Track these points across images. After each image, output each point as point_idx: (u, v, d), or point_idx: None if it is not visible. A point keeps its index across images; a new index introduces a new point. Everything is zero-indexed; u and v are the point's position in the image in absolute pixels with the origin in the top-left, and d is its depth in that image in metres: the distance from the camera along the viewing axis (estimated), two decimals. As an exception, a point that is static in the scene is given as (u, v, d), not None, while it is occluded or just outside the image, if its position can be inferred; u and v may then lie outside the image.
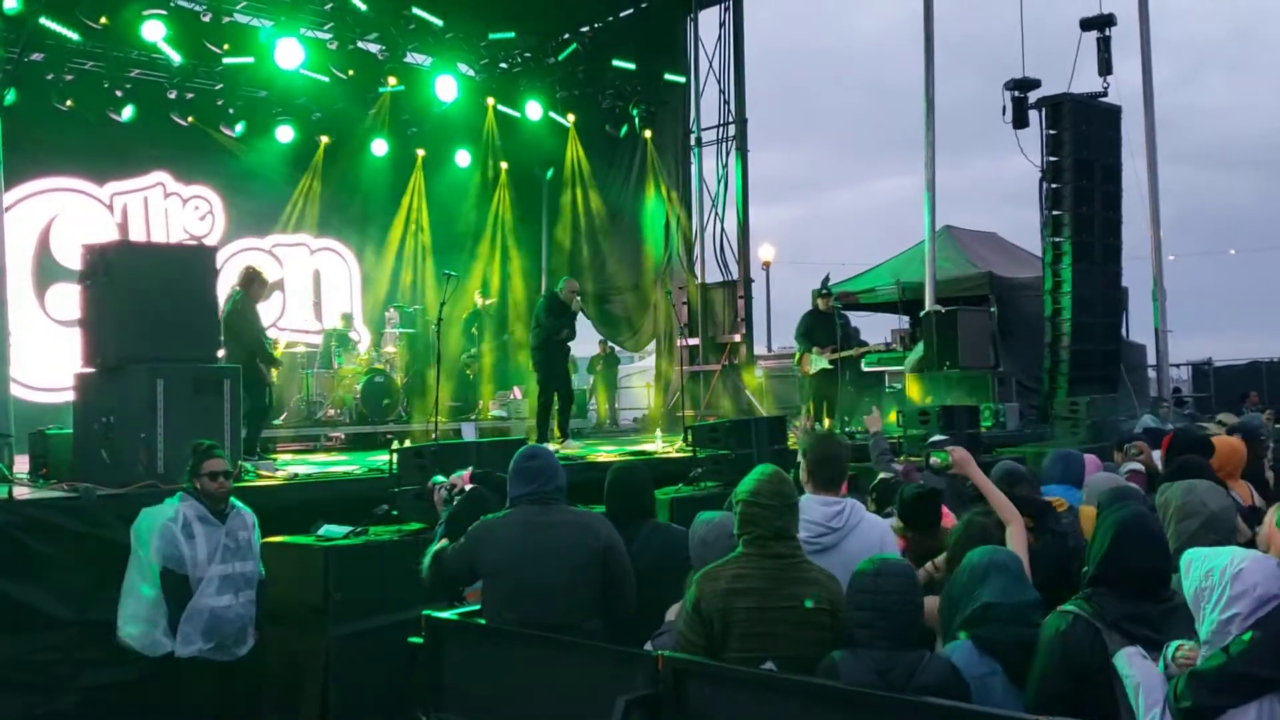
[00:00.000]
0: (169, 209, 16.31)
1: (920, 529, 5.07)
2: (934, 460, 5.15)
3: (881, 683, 3.42)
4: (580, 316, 19.43)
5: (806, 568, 4.01)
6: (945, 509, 5.24)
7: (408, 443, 11.16)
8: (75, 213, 15.22)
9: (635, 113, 17.58)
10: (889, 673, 3.45)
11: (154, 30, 13.41)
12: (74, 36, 13.53)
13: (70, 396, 8.54)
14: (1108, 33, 16.42)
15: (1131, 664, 3.22)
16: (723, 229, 17.63)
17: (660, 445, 13.25)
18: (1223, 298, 57.62)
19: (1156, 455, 6.84)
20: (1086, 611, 3.45)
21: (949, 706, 3.23)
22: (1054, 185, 15.63)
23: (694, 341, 17.21)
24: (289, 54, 14.26)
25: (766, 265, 29.49)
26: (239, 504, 6.37)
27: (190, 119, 15.50)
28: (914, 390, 15.84)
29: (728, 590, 3.88)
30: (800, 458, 4.78)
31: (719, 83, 17.60)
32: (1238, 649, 2.96)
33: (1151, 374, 19.27)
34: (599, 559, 4.70)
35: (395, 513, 7.35)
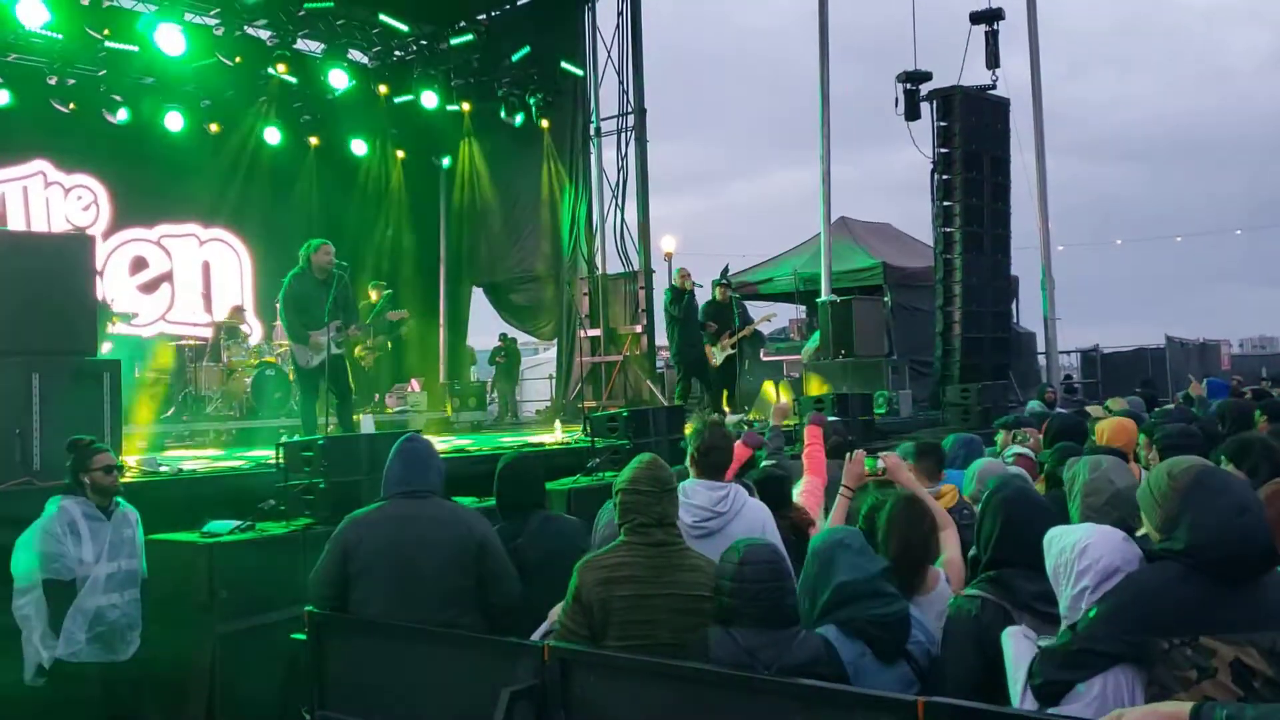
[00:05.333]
0: (50, 198, 15.77)
1: (774, 508, 5.11)
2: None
3: (752, 660, 3.41)
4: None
5: (688, 554, 4.02)
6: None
7: (298, 437, 10.93)
8: (-51, 202, 14.68)
9: (532, 102, 17.49)
10: (759, 650, 3.44)
11: (36, 15, 12.91)
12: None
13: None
14: (996, 26, 16.84)
15: (1012, 642, 3.25)
16: (623, 220, 17.67)
17: (559, 436, 13.19)
18: (1110, 287, 59.58)
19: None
20: (994, 594, 3.42)
21: (819, 687, 3.23)
22: (944, 177, 15.92)
23: (595, 333, 17.21)
24: (171, 40, 13.89)
25: (668, 256, 29.54)
26: (122, 501, 6.18)
27: (72, 105, 14.98)
28: (810, 378, 16.03)
29: (607, 579, 3.87)
30: (688, 445, 4.81)
31: (618, 73, 17.60)
32: (1083, 625, 2.99)
33: (1041, 361, 19.76)
34: (473, 555, 4.58)
35: (282, 508, 7.18)
